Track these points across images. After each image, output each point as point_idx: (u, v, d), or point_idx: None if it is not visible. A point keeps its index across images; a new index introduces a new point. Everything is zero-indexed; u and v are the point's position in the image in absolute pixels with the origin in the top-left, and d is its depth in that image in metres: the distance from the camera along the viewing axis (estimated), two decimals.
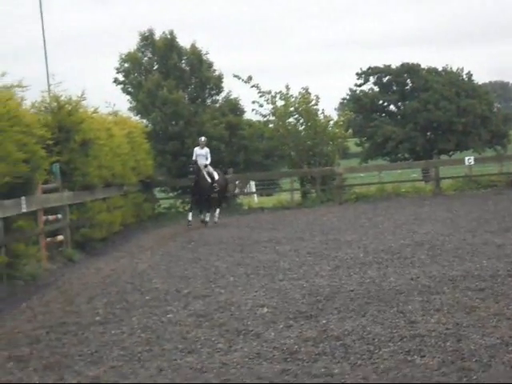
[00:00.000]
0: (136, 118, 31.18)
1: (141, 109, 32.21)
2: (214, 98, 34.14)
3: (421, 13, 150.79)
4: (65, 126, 18.66)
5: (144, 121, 31.88)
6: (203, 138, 24.95)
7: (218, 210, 25.01)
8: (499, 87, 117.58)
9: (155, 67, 33.44)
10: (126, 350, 8.30)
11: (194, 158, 24.27)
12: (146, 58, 33.56)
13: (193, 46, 33.64)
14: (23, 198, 14.58)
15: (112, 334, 9.13)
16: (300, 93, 32.64)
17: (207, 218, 24.28)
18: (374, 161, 54.75)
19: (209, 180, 24.32)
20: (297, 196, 31.87)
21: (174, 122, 31.65)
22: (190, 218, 24.13)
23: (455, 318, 8.57)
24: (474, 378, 6.49)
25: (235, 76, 32.60)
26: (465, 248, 14.23)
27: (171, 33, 33.63)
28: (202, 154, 24.29)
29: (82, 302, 11.57)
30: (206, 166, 24.32)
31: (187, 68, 33.48)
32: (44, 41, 21.50)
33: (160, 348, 8.30)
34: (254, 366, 7.32)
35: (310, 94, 32.63)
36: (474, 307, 9.09)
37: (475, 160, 31.40)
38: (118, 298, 11.64)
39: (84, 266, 16.46)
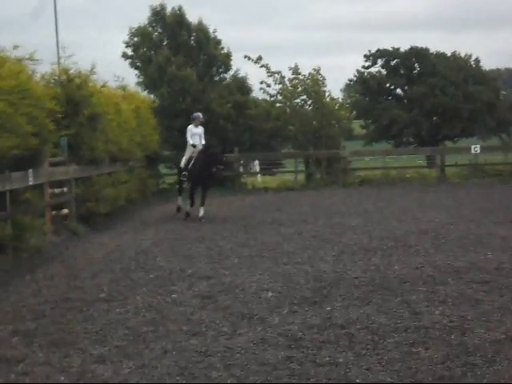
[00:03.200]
0: (143, 93, 31.13)
1: (149, 84, 32.15)
2: (221, 75, 33.99)
3: None
4: (73, 100, 18.51)
5: (151, 96, 31.81)
6: (201, 115, 21.31)
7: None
8: (507, 74, 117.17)
9: (165, 43, 33.25)
10: (130, 330, 8.31)
11: (188, 138, 20.49)
12: (156, 33, 33.36)
13: (200, 23, 33.35)
14: (30, 170, 14.59)
15: (116, 313, 9.16)
16: (310, 73, 32.46)
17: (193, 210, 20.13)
18: (379, 144, 54.52)
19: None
20: (300, 177, 31.83)
21: (181, 99, 31.53)
22: (180, 202, 20.96)
23: (460, 311, 8.58)
24: (479, 373, 6.51)
25: (246, 56, 32.40)
26: (469, 238, 14.23)
27: (180, 8, 33.39)
28: (196, 133, 20.63)
29: (87, 278, 11.62)
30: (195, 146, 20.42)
31: (195, 45, 33.28)
32: (55, 13, 21.28)
33: (165, 329, 8.31)
34: (259, 352, 7.34)
35: (320, 74, 32.46)
36: (479, 300, 9.09)
37: (481, 148, 31.32)
38: (122, 276, 11.68)
39: (88, 240, 16.50)
